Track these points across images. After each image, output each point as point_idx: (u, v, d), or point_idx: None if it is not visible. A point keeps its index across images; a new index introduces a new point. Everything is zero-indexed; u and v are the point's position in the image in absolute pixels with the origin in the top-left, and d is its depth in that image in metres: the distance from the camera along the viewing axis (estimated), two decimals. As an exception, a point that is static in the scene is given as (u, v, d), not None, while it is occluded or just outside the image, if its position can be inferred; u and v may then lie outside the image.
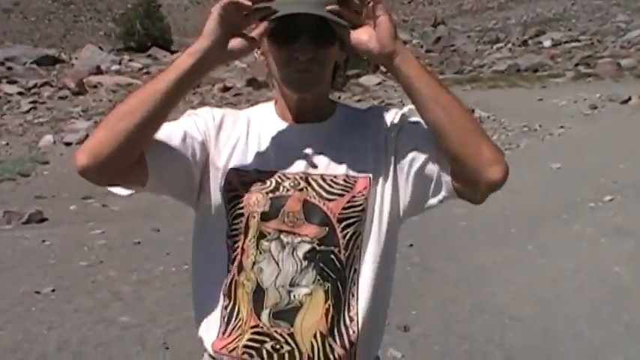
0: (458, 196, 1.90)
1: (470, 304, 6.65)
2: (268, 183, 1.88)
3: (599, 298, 6.67)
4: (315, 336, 1.84)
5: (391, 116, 2.00)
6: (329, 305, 1.84)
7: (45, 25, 70.63)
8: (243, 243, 1.88)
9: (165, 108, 1.79)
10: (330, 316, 1.84)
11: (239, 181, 1.90)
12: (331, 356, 1.85)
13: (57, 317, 6.35)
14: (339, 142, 1.96)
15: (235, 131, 2.00)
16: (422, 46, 44.22)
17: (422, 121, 1.88)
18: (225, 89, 23.63)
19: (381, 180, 1.92)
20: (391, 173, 1.93)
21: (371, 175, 1.90)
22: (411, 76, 1.80)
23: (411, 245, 8.10)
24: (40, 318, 6.35)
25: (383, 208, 1.92)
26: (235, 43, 1.82)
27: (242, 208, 1.87)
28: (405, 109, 2.01)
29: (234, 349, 1.88)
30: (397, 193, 1.94)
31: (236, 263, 1.90)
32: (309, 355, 1.84)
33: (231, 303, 1.91)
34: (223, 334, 1.91)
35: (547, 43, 39.64)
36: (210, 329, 1.96)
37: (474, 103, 21.83)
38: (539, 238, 8.65)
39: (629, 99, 20.98)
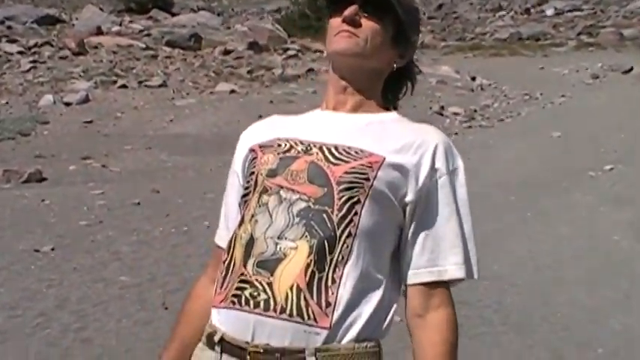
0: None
1: (469, 269, 6.66)
2: (283, 145, 1.96)
3: (597, 266, 6.70)
4: (291, 288, 1.82)
5: (441, 162, 1.94)
6: (310, 260, 1.83)
7: (45, -16, 70.19)
8: (250, 198, 1.93)
9: None
10: (309, 271, 1.83)
11: (259, 146, 2.00)
12: (304, 311, 1.83)
13: (56, 275, 6.37)
14: (369, 130, 1.98)
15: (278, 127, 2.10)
16: (424, 13, 43.93)
17: (450, 212, 1.93)
18: (226, 52, 23.53)
19: (392, 169, 1.89)
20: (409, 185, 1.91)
21: (385, 157, 1.89)
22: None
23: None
24: (39, 276, 6.36)
25: (386, 190, 1.88)
26: None
27: (255, 167, 1.96)
28: (458, 172, 1.97)
29: (226, 298, 1.90)
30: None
31: (239, 217, 1.97)
32: (282, 306, 1.82)
33: (229, 257, 1.94)
34: (221, 287, 1.93)
35: (550, 12, 39.43)
36: (214, 285, 1.99)
37: (476, 71, 21.79)
38: (539, 206, 8.66)
39: (632, 69, 20.97)
